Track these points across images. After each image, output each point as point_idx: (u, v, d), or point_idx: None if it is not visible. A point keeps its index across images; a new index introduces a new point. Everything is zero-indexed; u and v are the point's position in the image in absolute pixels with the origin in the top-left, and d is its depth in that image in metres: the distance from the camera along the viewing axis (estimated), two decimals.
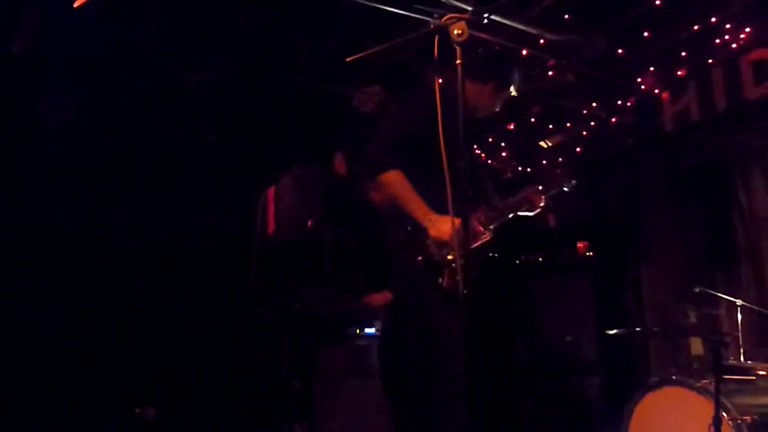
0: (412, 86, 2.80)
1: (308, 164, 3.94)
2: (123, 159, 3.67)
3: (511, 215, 2.90)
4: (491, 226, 2.76)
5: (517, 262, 4.46)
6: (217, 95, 3.79)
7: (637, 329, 3.90)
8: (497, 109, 2.93)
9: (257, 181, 3.97)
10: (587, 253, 4.26)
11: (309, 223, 3.69)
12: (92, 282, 3.53)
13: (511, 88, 2.90)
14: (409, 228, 2.62)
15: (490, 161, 4.72)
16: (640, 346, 4.22)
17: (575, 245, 4.31)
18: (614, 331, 3.39)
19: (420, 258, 2.57)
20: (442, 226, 2.53)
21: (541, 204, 3.00)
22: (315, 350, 3.48)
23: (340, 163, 4.07)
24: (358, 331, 3.64)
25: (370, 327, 3.66)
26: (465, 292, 1.95)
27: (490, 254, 2.76)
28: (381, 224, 3.67)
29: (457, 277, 2.37)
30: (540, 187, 3.04)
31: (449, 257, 2.57)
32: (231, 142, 3.99)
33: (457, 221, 2.45)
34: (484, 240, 2.71)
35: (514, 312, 4.42)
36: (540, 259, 4.38)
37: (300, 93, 3.98)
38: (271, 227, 3.81)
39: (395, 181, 2.59)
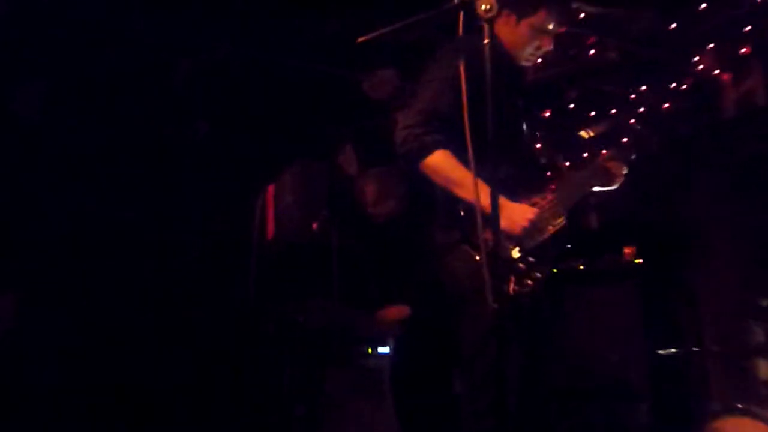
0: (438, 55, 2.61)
1: (312, 159, 3.89)
2: (102, 152, 3.66)
3: (586, 191, 2.69)
4: (566, 207, 2.54)
5: (554, 270, 4.42)
6: (208, 81, 3.80)
7: (694, 348, 3.87)
8: (549, 47, 2.65)
9: (254, 179, 3.95)
10: (635, 260, 4.20)
11: (314, 226, 3.66)
12: (71, 300, 3.54)
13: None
14: (462, 213, 2.40)
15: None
16: (697, 368, 4.11)
17: (621, 250, 4.24)
18: (666, 351, 3.43)
19: (479, 258, 2.29)
20: (514, 215, 2.36)
21: (623, 172, 2.75)
22: (321, 371, 3.47)
23: (347, 158, 4.06)
24: (369, 349, 3.61)
25: (384, 345, 3.62)
26: (495, 305, 1.86)
27: (568, 245, 2.58)
28: (396, 226, 3.74)
29: (528, 281, 2.38)
30: (620, 152, 2.79)
31: (515, 255, 2.38)
32: (224, 134, 3.99)
33: (533, 211, 2.42)
34: (560, 225, 2.50)
35: (549, 326, 4.39)
36: (580, 267, 4.32)
37: (303, 78, 3.96)
38: (271, 230, 3.80)
39: (443, 163, 2.40)
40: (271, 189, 3.86)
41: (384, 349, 3.62)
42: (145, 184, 3.77)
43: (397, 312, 3.62)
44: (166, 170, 3.85)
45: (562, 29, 2.77)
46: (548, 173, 2.70)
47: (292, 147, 4.10)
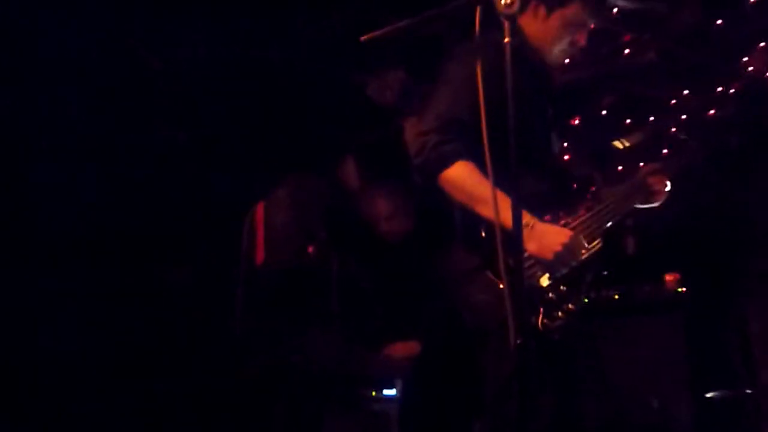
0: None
1: (308, 173, 3.83)
2: (62, 164, 3.58)
3: (626, 210, 2.65)
4: (602, 229, 2.52)
5: (585, 300, 4.37)
6: (189, 83, 3.76)
7: (747, 391, 3.62)
8: (583, 43, 2.62)
9: (242, 196, 3.86)
10: (678, 288, 4.11)
11: (310, 250, 3.58)
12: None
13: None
14: (483, 234, 2.35)
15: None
16: (752, 413, 3.80)
17: (662, 278, 4.16)
18: (715, 393, 3.28)
19: (503, 286, 2.21)
20: (545, 238, 2.32)
21: (667, 189, 2.75)
22: (318, 417, 3.42)
23: (348, 171, 3.92)
24: (374, 392, 3.58)
25: (391, 387, 3.57)
26: (518, 342, 1.78)
27: (604, 271, 2.55)
28: (406, 249, 3.62)
29: (559, 314, 2.35)
30: (662, 165, 2.78)
31: (544, 283, 2.34)
32: (207, 143, 3.93)
33: (567, 234, 2.37)
34: (595, 249, 2.47)
35: (580, 365, 4.07)
36: (615, 297, 4.23)
37: (298, 80, 3.95)
38: (260, 255, 3.67)
39: (465, 176, 2.34)
40: (260, 206, 3.74)
41: (390, 392, 3.58)
42: (114, 204, 3.74)
43: (406, 348, 3.57)
44: (138, 187, 3.80)
45: (595, 24, 2.70)
46: (580, 188, 2.64)
47: (286, 159, 4.04)
